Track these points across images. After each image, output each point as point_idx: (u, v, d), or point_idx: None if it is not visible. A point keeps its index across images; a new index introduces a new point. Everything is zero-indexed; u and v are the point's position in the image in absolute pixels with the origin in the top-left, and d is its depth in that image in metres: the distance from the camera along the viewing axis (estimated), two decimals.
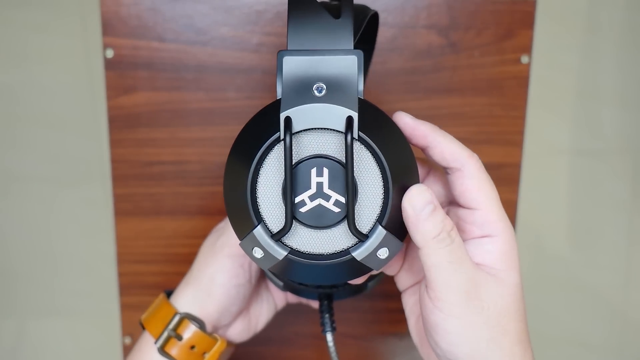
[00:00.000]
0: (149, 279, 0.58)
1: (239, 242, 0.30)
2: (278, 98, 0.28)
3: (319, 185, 0.29)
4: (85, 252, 0.85)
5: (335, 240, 0.30)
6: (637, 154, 0.87)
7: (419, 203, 0.29)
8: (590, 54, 0.84)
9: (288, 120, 0.27)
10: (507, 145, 0.56)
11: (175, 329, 0.41)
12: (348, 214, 0.28)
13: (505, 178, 0.57)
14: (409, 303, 0.37)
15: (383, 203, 0.29)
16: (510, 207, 0.57)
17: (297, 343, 0.60)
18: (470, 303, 0.30)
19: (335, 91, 0.28)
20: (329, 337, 0.39)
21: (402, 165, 0.30)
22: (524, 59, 0.55)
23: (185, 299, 0.42)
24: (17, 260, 0.86)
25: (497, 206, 0.32)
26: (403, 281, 0.37)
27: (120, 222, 0.56)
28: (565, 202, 0.89)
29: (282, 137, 0.28)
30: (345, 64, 0.28)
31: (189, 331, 0.41)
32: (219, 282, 0.41)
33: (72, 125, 0.81)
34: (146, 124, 0.55)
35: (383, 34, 0.54)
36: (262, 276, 0.45)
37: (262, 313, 0.47)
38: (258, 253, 0.29)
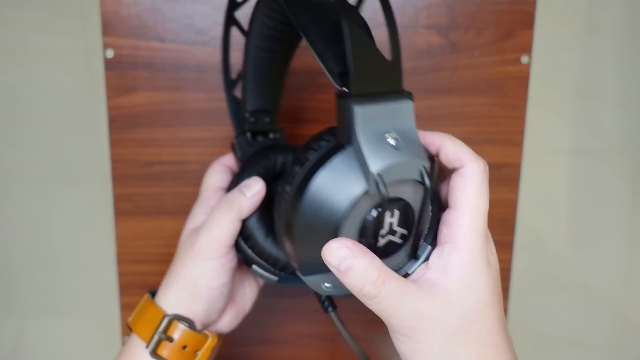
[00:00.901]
0: (149, 279, 0.58)
1: (304, 277, 0.33)
2: (349, 145, 0.30)
3: (391, 224, 0.31)
4: (85, 252, 0.85)
5: (394, 262, 0.33)
6: (637, 154, 0.87)
7: (334, 260, 0.30)
8: (590, 54, 0.84)
9: (380, 177, 0.29)
10: (507, 145, 0.56)
11: (165, 331, 0.40)
12: (413, 244, 0.32)
13: (505, 178, 0.57)
14: None
15: (430, 225, 0.32)
16: (510, 207, 0.57)
17: (297, 343, 0.60)
18: (410, 334, 0.30)
19: (405, 140, 0.30)
20: (334, 315, 0.40)
21: (436, 189, 0.32)
22: (524, 59, 0.55)
23: (170, 301, 0.41)
24: (17, 260, 0.86)
25: (475, 213, 0.30)
26: None
27: (120, 222, 0.56)
28: (565, 202, 0.89)
29: (380, 197, 0.29)
30: (405, 108, 0.30)
31: (179, 331, 0.40)
32: (201, 285, 0.40)
33: (72, 125, 0.81)
34: (146, 124, 0.55)
35: (383, 34, 0.54)
36: (239, 261, 0.44)
37: (247, 296, 0.46)
38: (327, 286, 0.33)
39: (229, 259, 0.41)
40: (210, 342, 0.41)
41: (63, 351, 0.88)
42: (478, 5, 0.54)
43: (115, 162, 0.55)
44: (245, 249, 0.41)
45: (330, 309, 0.39)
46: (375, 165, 0.29)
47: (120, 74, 0.54)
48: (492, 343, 0.31)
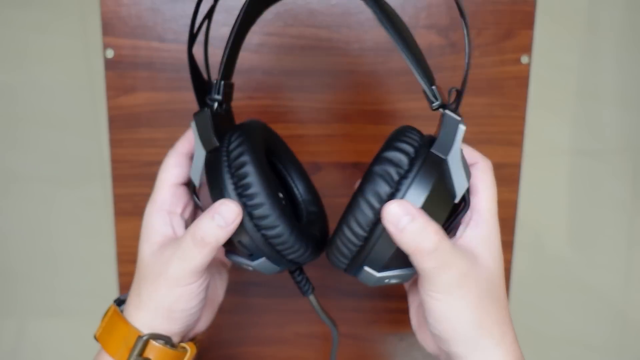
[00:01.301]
0: None
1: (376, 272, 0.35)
2: (446, 157, 0.35)
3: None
4: (85, 252, 0.85)
5: None
6: (637, 154, 0.87)
7: (395, 217, 0.32)
8: (590, 54, 0.84)
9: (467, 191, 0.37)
10: (507, 145, 0.56)
11: (141, 353, 0.37)
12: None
13: (505, 178, 0.57)
14: (411, 293, 0.42)
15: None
16: (510, 207, 0.57)
17: (297, 343, 0.60)
18: (453, 292, 0.34)
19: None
20: (313, 298, 0.40)
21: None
22: (524, 59, 0.55)
23: (142, 322, 0.37)
24: (17, 260, 0.86)
25: (490, 200, 0.37)
26: None
27: (120, 222, 0.56)
28: (565, 202, 0.89)
29: None
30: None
31: (156, 352, 0.37)
32: (178, 309, 0.37)
33: (72, 125, 0.81)
34: (146, 124, 0.55)
35: (383, 34, 0.54)
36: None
37: (218, 287, 0.43)
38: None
39: (206, 277, 0.38)
40: (190, 354, 0.39)
41: (63, 351, 0.88)
42: (478, 5, 0.54)
43: (115, 162, 0.55)
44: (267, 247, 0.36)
45: (310, 292, 0.39)
46: (463, 181, 0.34)
47: (120, 74, 0.54)
48: (506, 307, 0.36)
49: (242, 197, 0.34)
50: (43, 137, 0.82)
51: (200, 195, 0.37)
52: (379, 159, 0.34)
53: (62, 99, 0.81)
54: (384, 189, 0.33)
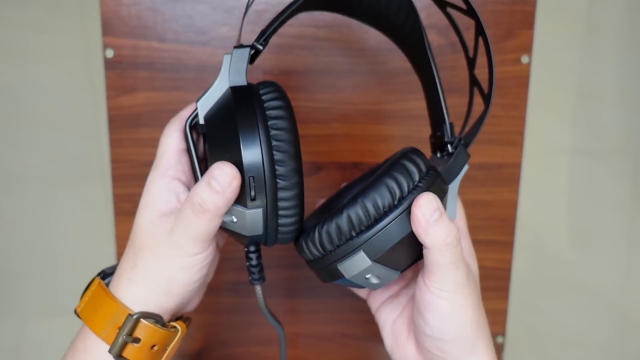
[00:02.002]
0: None
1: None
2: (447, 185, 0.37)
3: None
4: (85, 252, 0.85)
5: None
6: (637, 154, 0.87)
7: (428, 211, 0.32)
8: (590, 54, 0.84)
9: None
10: (507, 145, 0.56)
11: (131, 332, 0.34)
12: None
13: (505, 178, 0.57)
14: (384, 312, 0.41)
15: None
16: (510, 207, 0.57)
17: (297, 343, 0.60)
18: (460, 291, 0.35)
19: None
20: (259, 288, 0.39)
21: None
22: (524, 59, 0.55)
23: (137, 296, 0.35)
24: (17, 260, 0.86)
25: (465, 220, 0.42)
26: (376, 299, 0.42)
27: (120, 222, 0.56)
28: (565, 202, 0.89)
29: None
30: None
31: (146, 330, 0.34)
32: (179, 282, 0.35)
33: (72, 125, 0.81)
34: (146, 124, 0.55)
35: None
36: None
37: (212, 267, 0.40)
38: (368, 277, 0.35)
39: (211, 250, 0.35)
40: (180, 334, 0.36)
41: (63, 351, 0.88)
42: (478, 5, 0.54)
43: (115, 162, 0.55)
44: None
45: (260, 281, 0.38)
46: (453, 211, 0.37)
47: (120, 74, 0.54)
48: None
49: (272, 133, 0.33)
50: (43, 137, 0.82)
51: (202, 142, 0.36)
52: (399, 160, 0.35)
53: (62, 99, 0.81)
54: (405, 182, 0.34)
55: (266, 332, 0.60)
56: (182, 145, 0.37)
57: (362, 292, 0.44)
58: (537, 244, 0.89)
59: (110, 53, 0.53)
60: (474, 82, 0.39)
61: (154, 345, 0.35)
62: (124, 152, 0.55)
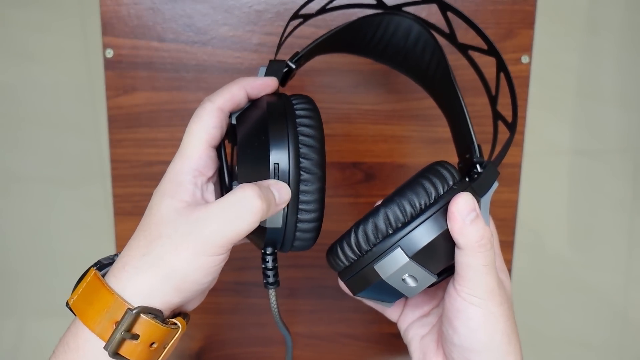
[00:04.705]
0: None
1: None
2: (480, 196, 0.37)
3: None
4: (85, 252, 0.85)
5: None
6: (637, 154, 0.87)
7: (465, 209, 0.33)
8: (590, 54, 0.84)
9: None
10: None
11: (129, 329, 0.32)
12: None
13: (505, 178, 0.57)
14: (413, 329, 0.41)
15: None
16: (510, 207, 0.57)
17: (296, 343, 0.60)
18: (492, 298, 0.34)
19: None
20: (272, 292, 0.39)
21: None
22: (524, 59, 0.55)
23: (138, 289, 0.32)
24: (17, 260, 0.86)
25: (498, 240, 0.42)
26: (406, 319, 0.42)
27: (120, 222, 0.56)
28: (565, 202, 0.89)
29: None
30: None
31: (146, 327, 0.32)
32: (192, 280, 0.33)
33: (72, 125, 0.81)
34: (146, 123, 0.55)
35: None
36: None
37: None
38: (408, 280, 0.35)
39: (227, 255, 0.34)
40: (181, 332, 0.34)
41: None
42: (478, 5, 0.54)
43: (115, 162, 0.55)
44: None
45: (275, 285, 0.38)
46: (487, 221, 0.36)
47: (120, 74, 0.54)
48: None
49: (301, 141, 0.35)
50: (43, 137, 0.82)
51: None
52: (432, 167, 0.35)
53: (62, 99, 0.81)
54: (441, 184, 0.34)
55: (266, 333, 0.60)
56: (216, 141, 0.36)
57: (393, 314, 0.43)
58: (537, 243, 0.89)
59: (110, 53, 0.53)
60: (497, 116, 0.41)
61: (152, 343, 0.33)
62: (123, 152, 0.55)
